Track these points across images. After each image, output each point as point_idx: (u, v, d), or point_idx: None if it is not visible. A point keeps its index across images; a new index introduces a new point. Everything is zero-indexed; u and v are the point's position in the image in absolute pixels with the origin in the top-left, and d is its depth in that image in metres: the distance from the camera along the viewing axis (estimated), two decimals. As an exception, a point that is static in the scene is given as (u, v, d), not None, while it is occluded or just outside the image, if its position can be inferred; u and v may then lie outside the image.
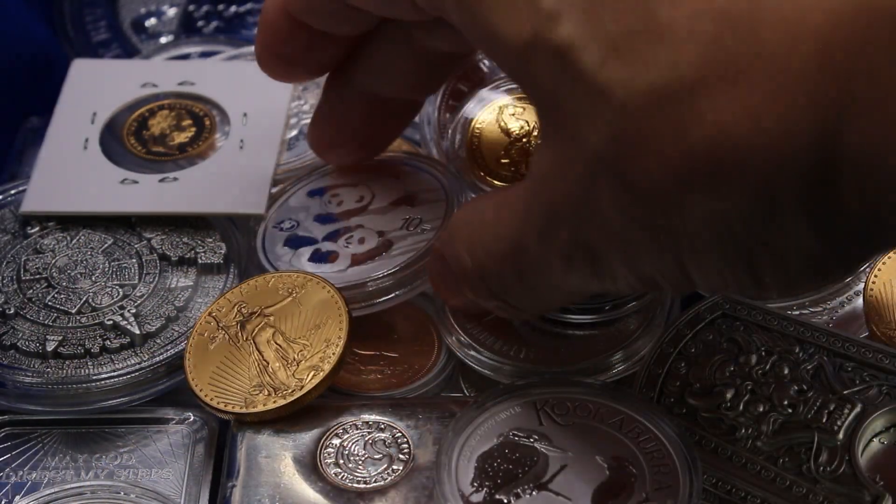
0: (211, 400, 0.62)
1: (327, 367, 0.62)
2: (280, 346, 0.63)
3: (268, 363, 0.63)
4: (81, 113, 0.74)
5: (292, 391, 0.62)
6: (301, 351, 0.63)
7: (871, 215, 0.48)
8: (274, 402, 0.61)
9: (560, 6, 0.50)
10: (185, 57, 0.82)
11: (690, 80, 0.48)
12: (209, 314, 0.65)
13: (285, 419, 0.62)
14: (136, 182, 0.71)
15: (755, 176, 0.48)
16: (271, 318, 0.64)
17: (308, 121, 0.70)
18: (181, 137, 0.73)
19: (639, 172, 0.49)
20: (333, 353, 0.62)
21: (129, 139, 0.74)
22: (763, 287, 0.52)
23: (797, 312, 0.65)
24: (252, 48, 0.79)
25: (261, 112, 0.70)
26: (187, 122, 0.74)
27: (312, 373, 0.62)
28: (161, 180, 0.71)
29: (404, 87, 0.66)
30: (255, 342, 0.63)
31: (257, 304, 0.65)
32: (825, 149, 0.47)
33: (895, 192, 0.47)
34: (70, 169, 0.72)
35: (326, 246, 0.67)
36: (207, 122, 0.74)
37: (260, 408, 0.61)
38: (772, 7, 0.47)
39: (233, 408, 0.62)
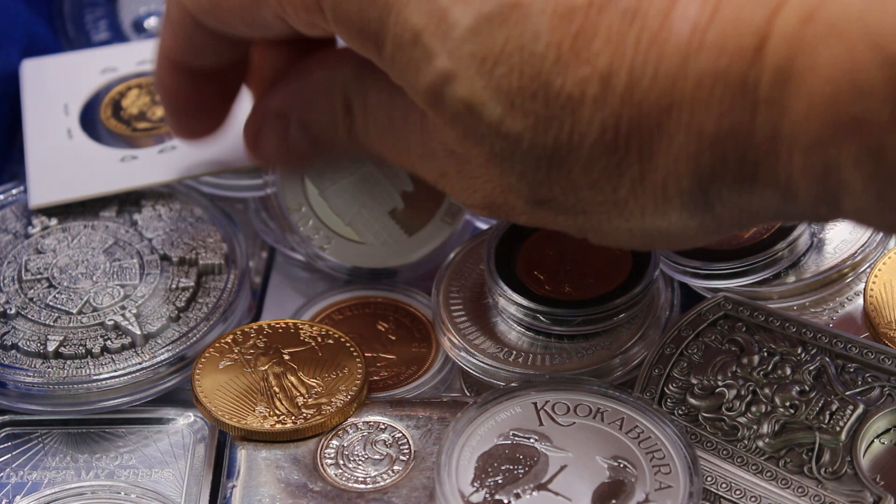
0: (213, 407, 0.62)
1: (332, 410, 0.62)
2: (292, 383, 0.63)
3: (275, 393, 0.63)
4: (52, 108, 0.74)
5: (294, 419, 0.62)
6: (311, 391, 0.63)
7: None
8: (272, 425, 0.62)
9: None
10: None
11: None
12: (226, 337, 0.65)
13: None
14: (135, 157, 0.71)
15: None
16: (287, 357, 0.64)
17: None
18: (161, 111, 0.74)
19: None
20: (342, 401, 0.63)
21: (110, 121, 0.74)
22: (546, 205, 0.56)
23: (797, 312, 0.65)
24: None
25: None
26: None
27: (316, 411, 0.62)
28: (160, 151, 0.71)
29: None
30: (267, 374, 0.64)
31: (277, 344, 0.65)
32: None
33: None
34: (65, 159, 0.71)
35: None
36: None
37: (257, 426, 0.62)
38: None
39: (230, 419, 0.62)
